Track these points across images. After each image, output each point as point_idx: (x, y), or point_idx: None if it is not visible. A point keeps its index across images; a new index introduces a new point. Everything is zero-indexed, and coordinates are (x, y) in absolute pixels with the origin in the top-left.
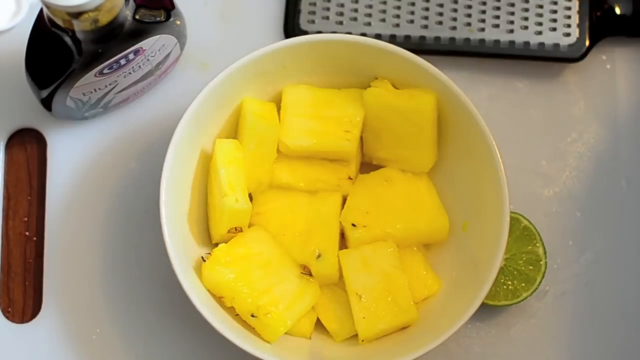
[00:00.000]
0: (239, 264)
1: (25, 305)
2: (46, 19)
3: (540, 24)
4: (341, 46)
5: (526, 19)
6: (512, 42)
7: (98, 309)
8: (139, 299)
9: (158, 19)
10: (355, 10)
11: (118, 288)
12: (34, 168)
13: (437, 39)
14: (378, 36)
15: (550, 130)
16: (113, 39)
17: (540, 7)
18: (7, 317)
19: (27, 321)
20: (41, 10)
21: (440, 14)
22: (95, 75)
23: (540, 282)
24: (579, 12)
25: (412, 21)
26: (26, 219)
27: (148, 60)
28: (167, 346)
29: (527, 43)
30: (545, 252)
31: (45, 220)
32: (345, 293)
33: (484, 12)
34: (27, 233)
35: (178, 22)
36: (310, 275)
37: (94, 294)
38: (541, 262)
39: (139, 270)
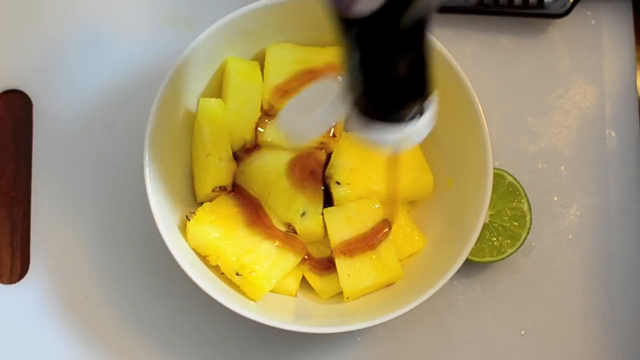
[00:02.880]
0: (224, 223)
1: (13, 266)
2: None
3: None
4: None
5: None
6: None
7: (85, 268)
8: (126, 258)
9: None
10: None
11: (104, 248)
12: (20, 129)
13: None
14: None
15: (535, 86)
16: None
17: None
18: None
19: (15, 282)
20: None
21: None
22: None
23: (526, 238)
24: None
25: None
26: (13, 180)
27: None
28: (154, 305)
29: None
30: (530, 208)
31: (31, 181)
32: (330, 250)
33: None
34: (13, 194)
35: None
36: (295, 233)
37: (80, 253)
38: (526, 218)
39: (125, 229)
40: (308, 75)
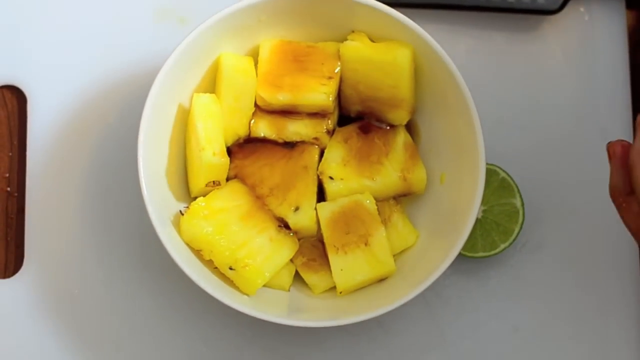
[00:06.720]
0: (217, 217)
1: (7, 260)
2: None
3: None
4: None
5: None
6: None
7: (79, 263)
8: (120, 253)
9: None
10: None
11: (98, 242)
12: (15, 124)
13: None
14: None
15: (528, 82)
16: None
17: None
18: None
19: (9, 276)
20: None
21: None
22: None
23: (518, 233)
24: None
25: None
26: (7, 175)
27: None
28: (147, 300)
29: None
30: (522, 204)
31: (26, 176)
32: (323, 245)
33: None
34: (8, 189)
35: None
36: (288, 228)
37: (75, 248)
38: (519, 214)
39: (119, 224)
40: (301, 71)
